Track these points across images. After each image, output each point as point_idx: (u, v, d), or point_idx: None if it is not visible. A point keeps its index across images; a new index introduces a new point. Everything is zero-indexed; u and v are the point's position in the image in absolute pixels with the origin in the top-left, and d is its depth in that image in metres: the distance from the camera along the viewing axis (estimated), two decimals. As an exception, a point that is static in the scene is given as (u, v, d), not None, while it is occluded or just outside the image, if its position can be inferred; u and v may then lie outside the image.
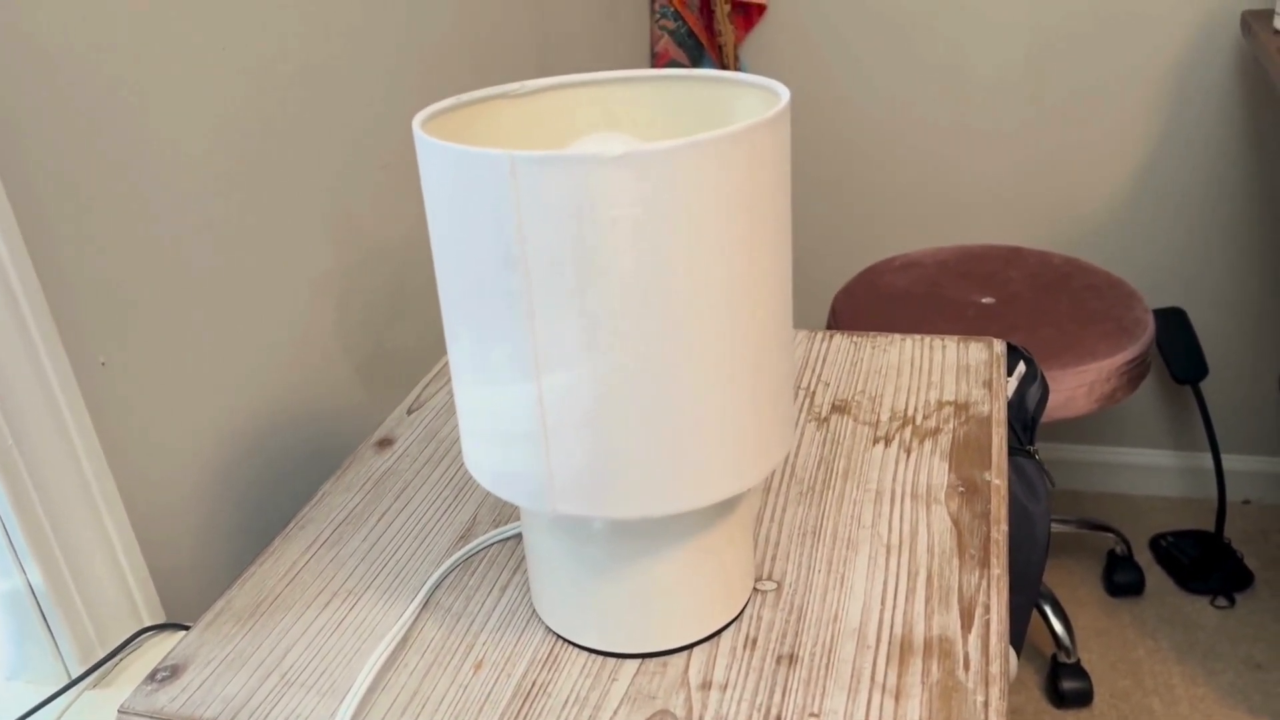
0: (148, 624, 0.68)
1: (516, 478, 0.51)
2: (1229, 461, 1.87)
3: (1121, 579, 1.71)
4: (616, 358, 0.46)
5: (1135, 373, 1.40)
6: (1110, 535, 1.75)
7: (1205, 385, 1.83)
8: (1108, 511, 1.89)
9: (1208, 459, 1.87)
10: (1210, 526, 1.80)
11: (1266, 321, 1.76)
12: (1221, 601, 1.67)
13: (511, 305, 0.46)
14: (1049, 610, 1.56)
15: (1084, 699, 1.52)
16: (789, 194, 0.50)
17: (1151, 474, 1.92)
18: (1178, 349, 1.71)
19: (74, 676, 0.64)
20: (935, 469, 0.69)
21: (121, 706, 0.57)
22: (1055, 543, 1.84)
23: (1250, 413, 1.83)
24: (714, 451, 0.49)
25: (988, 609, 0.58)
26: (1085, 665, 1.56)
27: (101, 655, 0.65)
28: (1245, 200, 1.68)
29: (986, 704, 0.52)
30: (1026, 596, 1.07)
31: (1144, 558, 1.77)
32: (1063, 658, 1.54)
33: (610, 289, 0.45)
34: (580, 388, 0.47)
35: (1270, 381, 1.80)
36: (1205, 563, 1.72)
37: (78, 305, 0.64)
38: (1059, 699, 1.52)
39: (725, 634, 0.57)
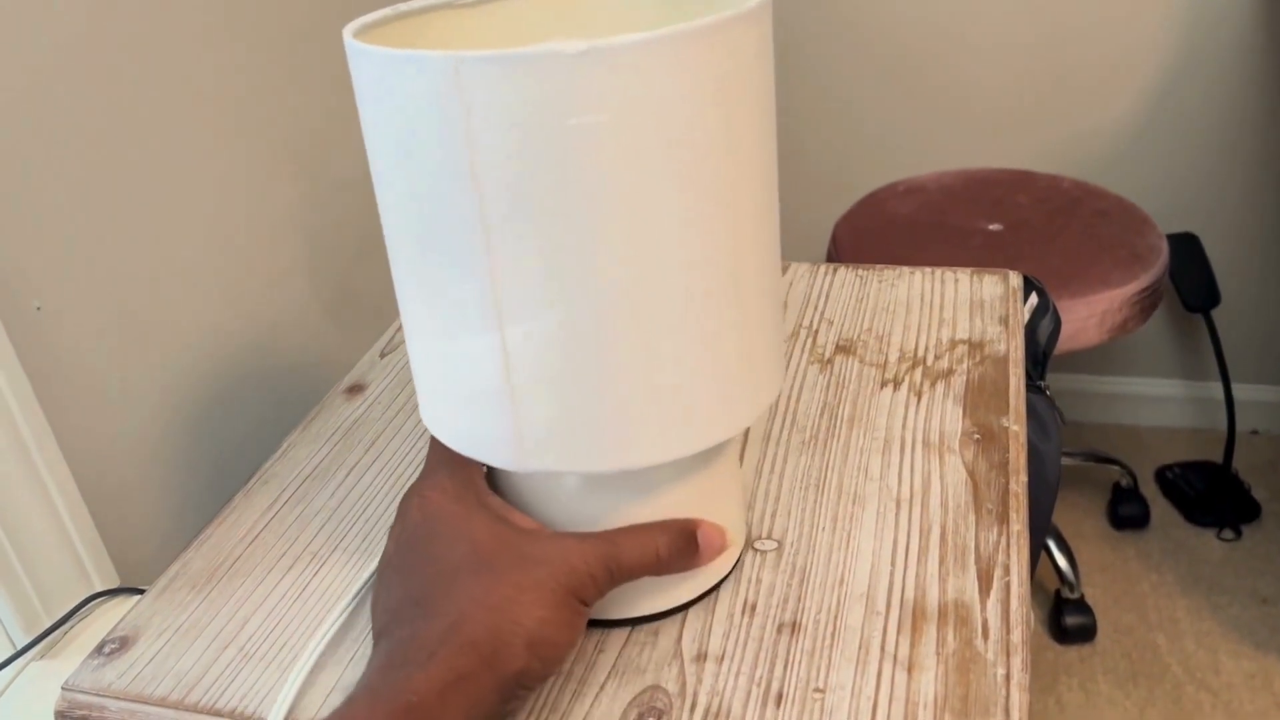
0: (99, 589, 0.63)
1: (479, 434, 0.45)
2: (1237, 391, 1.83)
3: (1126, 512, 1.68)
4: (588, 291, 0.40)
5: (1148, 302, 1.34)
6: (1115, 467, 1.72)
7: (1216, 313, 1.77)
8: (1113, 443, 1.85)
9: (1216, 389, 1.83)
10: (1217, 458, 1.76)
11: (1282, 246, 1.70)
12: (1228, 534, 1.64)
13: (465, 240, 0.40)
14: (1053, 545, 1.53)
15: (1087, 634, 1.49)
16: (774, 101, 0.44)
17: (1158, 404, 1.87)
18: (1189, 276, 1.65)
19: (18, 647, 0.59)
20: (948, 414, 0.64)
21: (66, 683, 0.52)
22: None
23: (1261, 341, 1.78)
24: (699, 393, 0.44)
25: (1007, 570, 0.53)
26: (1089, 600, 1.53)
27: (48, 624, 0.60)
28: (1264, 122, 1.61)
29: (1008, 677, 0.47)
30: (1035, 539, 1.03)
31: (1150, 490, 1.74)
32: (1066, 593, 1.51)
33: (578, 210, 0.39)
34: (548, 328, 0.41)
35: (1283, 309, 1.75)
36: (1212, 495, 1.68)
37: (6, 243, 0.58)
38: (1062, 634, 1.50)
39: (722, 599, 0.53)
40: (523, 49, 0.36)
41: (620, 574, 0.45)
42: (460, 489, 0.46)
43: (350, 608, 0.53)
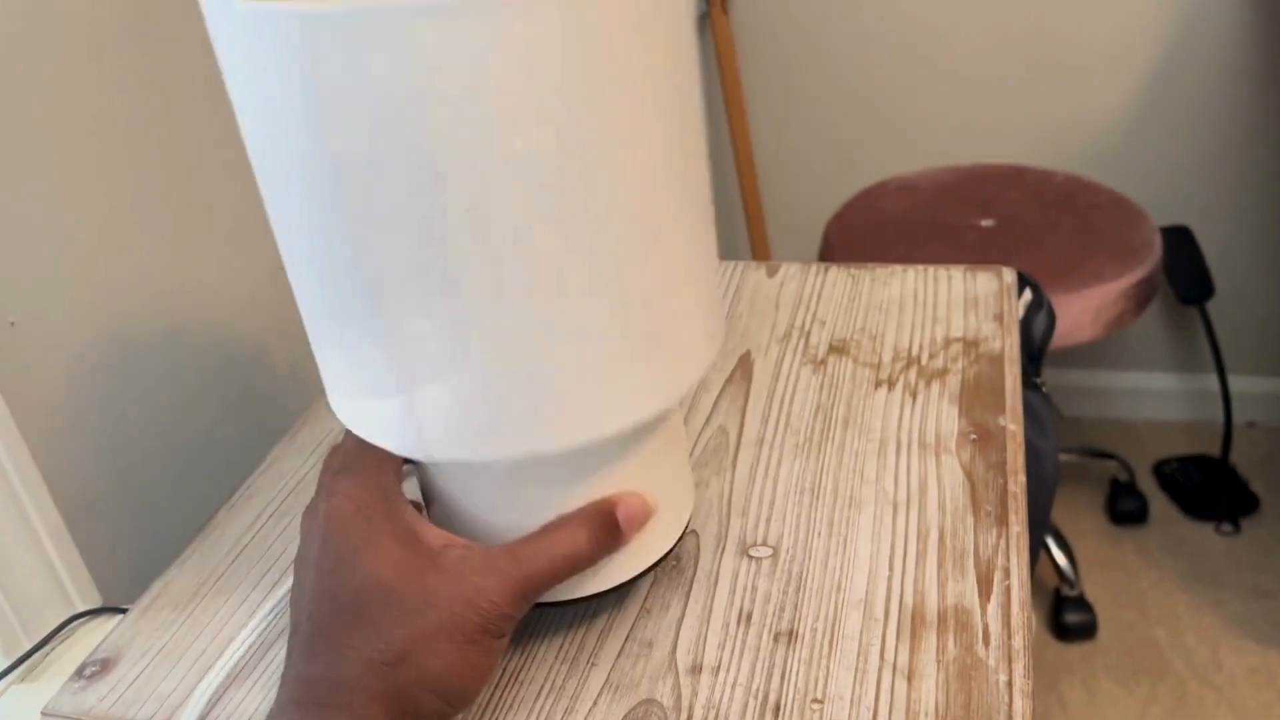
0: (80, 609, 0.62)
1: (381, 423, 0.42)
2: (1233, 383, 1.82)
3: (1125, 507, 1.67)
4: (471, 273, 0.37)
5: (1142, 295, 1.33)
6: (1113, 463, 1.71)
7: (1211, 305, 1.76)
8: (1109, 438, 1.84)
9: (1212, 381, 1.82)
10: (1214, 451, 1.75)
11: (1276, 237, 1.69)
12: (1227, 528, 1.63)
13: (335, 222, 0.37)
14: (1051, 542, 1.52)
15: (1088, 631, 1.48)
16: (688, 48, 0.40)
17: (1154, 398, 1.87)
18: (1183, 269, 1.64)
19: (-2, 671, 0.58)
20: (944, 414, 0.62)
21: (46, 708, 0.51)
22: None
23: (1256, 333, 1.77)
24: (606, 371, 0.40)
25: (1008, 573, 0.52)
26: (1088, 597, 1.52)
27: (28, 646, 0.59)
28: (1256, 114, 1.60)
29: (1010, 684, 0.46)
30: (1034, 538, 1.02)
31: (1147, 485, 1.73)
32: (1065, 590, 1.50)
33: (454, 182, 0.35)
34: (431, 311, 0.38)
35: (1279, 299, 1.74)
36: (1210, 488, 1.67)
37: (-23, 258, 0.57)
38: (1063, 632, 1.49)
39: (716, 608, 0.51)
40: (377, 2, 0.32)
41: (535, 592, 0.43)
42: (369, 497, 0.43)
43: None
